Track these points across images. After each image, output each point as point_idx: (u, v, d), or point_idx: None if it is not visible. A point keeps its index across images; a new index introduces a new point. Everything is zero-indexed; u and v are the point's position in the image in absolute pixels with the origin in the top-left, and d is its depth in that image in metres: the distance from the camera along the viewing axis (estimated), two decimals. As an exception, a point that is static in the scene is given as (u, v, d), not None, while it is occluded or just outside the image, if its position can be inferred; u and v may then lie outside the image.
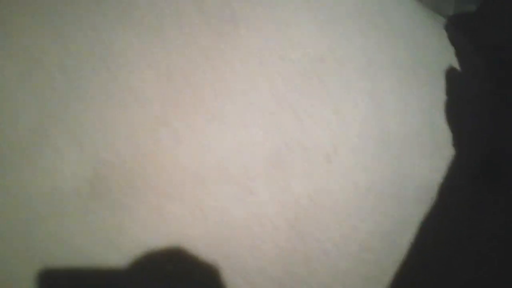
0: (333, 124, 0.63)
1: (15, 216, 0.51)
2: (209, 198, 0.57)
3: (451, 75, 0.86)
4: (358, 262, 0.65)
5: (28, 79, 0.56)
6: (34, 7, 0.57)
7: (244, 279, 0.59)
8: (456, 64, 0.89)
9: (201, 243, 0.56)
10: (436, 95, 0.78)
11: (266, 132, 0.61)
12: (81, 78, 0.57)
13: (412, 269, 0.69)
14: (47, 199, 0.51)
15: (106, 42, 0.58)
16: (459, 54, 0.93)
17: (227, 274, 0.58)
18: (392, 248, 0.68)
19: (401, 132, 0.69)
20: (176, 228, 0.55)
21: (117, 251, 0.54)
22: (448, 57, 0.89)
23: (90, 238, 0.53)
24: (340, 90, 0.63)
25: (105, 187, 0.54)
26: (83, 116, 0.56)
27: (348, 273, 0.64)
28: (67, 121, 0.56)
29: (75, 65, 0.57)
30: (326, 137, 0.63)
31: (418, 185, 0.72)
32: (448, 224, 0.74)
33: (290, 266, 0.61)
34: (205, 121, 0.59)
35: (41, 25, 0.57)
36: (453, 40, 0.94)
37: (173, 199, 0.55)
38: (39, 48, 0.56)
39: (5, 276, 0.52)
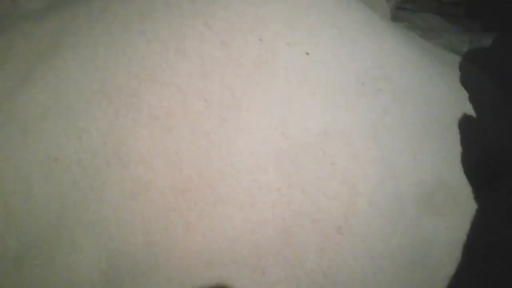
0: (343, 195, 0.63)
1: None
2: (222, 283, 0.58)
3: (464, 123, 0.84)
4: None
5: (49, 175, 0.61)
6: (52, 111, 0.63)
7: None
8: (471, 109, 0.87)
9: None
10: (450, 148, 0.75)
11: (275, 209, 0.61)
12: (97, 171, 0.61)
13: None
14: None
15: (118, 135, 0.62)
16: (476, 93, 0.91)
17: None
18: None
19: (416, 193, 0.67)
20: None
21: None
22: (461, 104, 0.87)
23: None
24: (347, 161, 0.63)
25: (118, 277, 0.57)
26: (99, 208, 0.59)
27: None
28: (84, 213, 0.59)
29: (90, 160, 0.61)
30: (336, 209, 0.62)
31: (440, 247, 0.69)
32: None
33: None
34: (213, 204, 0.60)
35: (57, 125, 0.62)
36: (469, 79, 0.92)
37: (184, 286, 0.56)
38: (57, 146, 0.61)
39: None
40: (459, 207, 0.73)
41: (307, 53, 0.66)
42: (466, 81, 0.97)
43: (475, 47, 1.37)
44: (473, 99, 0.90)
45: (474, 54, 1.31)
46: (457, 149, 0.77)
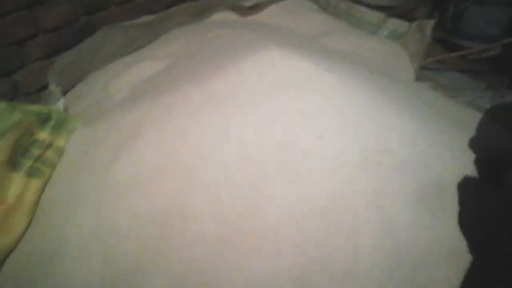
0: (347, 247, 0.81)
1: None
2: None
3: (463, 184, 0.98)
4: None
5: (132, 229, 0.86)
6: (135, 178, 0.89)
7: None
8: (474, 171, 1.01)
9: None
10: (446, 208, 0.90)
11: (295, 257, 0.81)
12: (165, 226, 0.84)
13: None
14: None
15: (180, 200, 0.86)
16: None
17: None
18: None
19: (413, 249, 0.83)
20: None
21: None
22: (464, 166, 1.01)
23: None
24: (352, 221, 0.82)
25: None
26: (167, 254, 0.82)
27: None
28: (157, 257, 0.83)
29: (161, 217, 0.85)
30: (340, 259, 0.80)
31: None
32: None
33: None
34: (248, 251, 0.81)
35: (140, 189, 0.88)
36: (491, 133, 1.06)
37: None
38: (139, 206, 0.86)
39: None
40: (458, 262, 0.87)
41: (320, 137, 0.88)
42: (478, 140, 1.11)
43: (497, 103, 1.47)
44: (479, 161, 1.04)
45: (496, 110, 1.43)
46: (454, 209, 0.93)
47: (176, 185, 0.86)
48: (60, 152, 0.96)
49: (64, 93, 1.18)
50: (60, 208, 0.88)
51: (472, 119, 1.31)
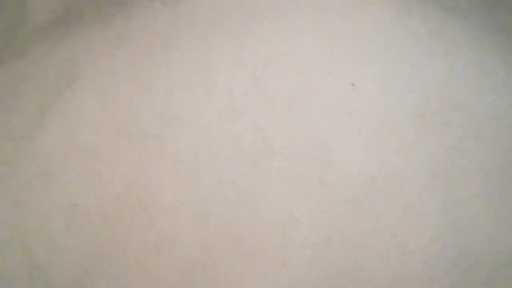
0: (391, 252, 0.55)
1: None
2: None
3: None
4: None
5: (71, 223, 0.58)
6: (72, 152, 0.59)
7: None
8: None
9: None
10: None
11: (310, 267, 0.54)
12: (119, 221, 0.57)
13: None
14: None
15: (141, 182, 0.57)
16: None
17: None
18: None
19: (491, 253, 0.57)
20: None
21: None
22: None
23: None
24: (397, 213, 0.55)
25: None
26: (123, 260, 0.56)
27: None
28: (108, 266, 0.56)
29: (112, 207, 0.57)
30: (383, 268, 0.54)
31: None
32: None
33: None
34: (242, 259, 0.55)
35: (77, 168, 0.58)
36: None
37: None
38: (78, 191, 0.58)
39: None
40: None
41: (353, 84, 0.56)
42: None
43: None
44: None
45: None
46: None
47: (134, 161, 0.57)
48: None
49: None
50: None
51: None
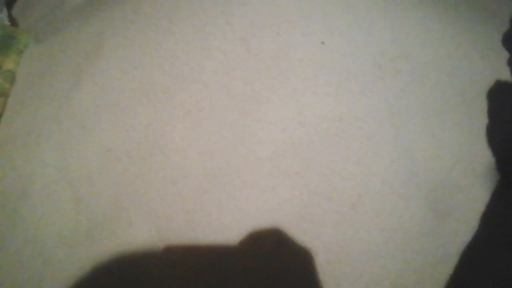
0: (356, 176, 0.68)
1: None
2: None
3: (495, 91, 0.82)
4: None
5: (105, 164, 0.72)
6: (102, 108, 0.72)
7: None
8: (508, 73, 0.84)
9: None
10: (473, 121, 0.75)
11: (294, 190, 0.68)
12: (142, 160, 0.71)
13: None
14: (127, 259, 0.67)
15: (157, 129, 0.71)
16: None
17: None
18: (426, 282, 0.71)
19: (433, 169, 0.70)
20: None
21: None
22: (496, 70, 0.84)
23: None
24: (361, 143, 0.67)
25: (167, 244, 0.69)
26: (146, 192, 0.70)
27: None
28: (135, 196, 0.70)
29: (136, 150, 0.71)
30: (350, 188, 0.68)
31: (458, 218, 0.72)
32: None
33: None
34: (240, 188, 0.68)
35: (107, 120, 0.72)
36: None
37: (219, 255, 0.67)
38: (109, 139, 0.71)
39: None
40: (479, 179, 0.74)
41: (323, 43, 0.68)
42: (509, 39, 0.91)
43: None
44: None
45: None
46: (483, 123, 0.77)
47: (151, 112, 0.70)
48: (11, 78, 0.78)
49: (8, 2, 0.94)
50: (19, 145, 0.73)
51: (505, 10, 1.06)
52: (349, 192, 0.69)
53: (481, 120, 0.76)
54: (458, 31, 0.83)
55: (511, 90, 0.79)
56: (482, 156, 0.75)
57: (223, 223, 0.68)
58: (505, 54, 0.83)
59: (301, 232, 0.69)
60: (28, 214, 0.70)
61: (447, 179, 0.71)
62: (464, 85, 0.77)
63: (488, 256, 0.75)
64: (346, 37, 0.69)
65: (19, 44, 0.82)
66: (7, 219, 0.70)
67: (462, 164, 0.73)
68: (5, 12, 0.85)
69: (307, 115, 0.68)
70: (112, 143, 0.71)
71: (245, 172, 0.68)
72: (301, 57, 0.68)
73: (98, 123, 0.72)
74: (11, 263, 0.68)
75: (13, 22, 0.87)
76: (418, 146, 0.71)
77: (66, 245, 0.67)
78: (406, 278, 0.69)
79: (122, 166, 0.70)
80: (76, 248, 0.67)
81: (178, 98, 0.70)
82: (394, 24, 0.74)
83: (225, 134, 0.68)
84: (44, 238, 0.68)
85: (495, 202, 0.73)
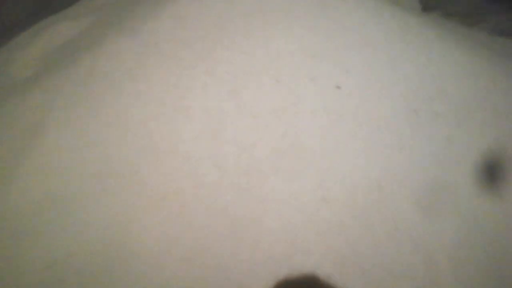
0: (419, 268, 0.46)
1: None
2: None
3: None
4: None
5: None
6: (46, 206, 0.51)
7: None
8: None
9: None
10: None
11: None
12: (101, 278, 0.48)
13: None
14: None
15: (122, 229, 0.49)
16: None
17: None
18: None
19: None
20: None
21: None
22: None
23: None
24: (415, 221, 0.46)
25: None
26: None
27: None
28: None
29: (91, 264, 0.48)
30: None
31: None
32: None
33: None
34: None
35: (51, 223, 0.50)
36: None
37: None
38: (54, 250, 0.49)
39: None
40: None
41: (338, 87, 0.50)
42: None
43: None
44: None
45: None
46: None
47: (112, 206, 0.49)
48: None
49: None
50: None
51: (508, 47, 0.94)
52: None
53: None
54: (487, 64, 0.68)
55: None
56: None
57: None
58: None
59: None
60: None
61: None
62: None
63: None
64: (366, 77, 0.52)
65: None
66: None
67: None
68: None
69: (332, 186, 0.47)
70: (57, 255, 0.49)
71: (247, 278, 0.45)
72: (312, 108, 0.49)
73: (38, 227, 0.50)
74: None
75: None
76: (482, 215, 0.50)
77: None
78: None
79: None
80: None
81: (149, 180, 0.50)
82: (421, 57, 0.57)
83: (217, 227, 0.47)
84: None
85: None
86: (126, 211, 0.50)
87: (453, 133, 0.54)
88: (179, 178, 0.49)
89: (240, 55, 0.50)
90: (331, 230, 0.46)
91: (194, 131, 0.50)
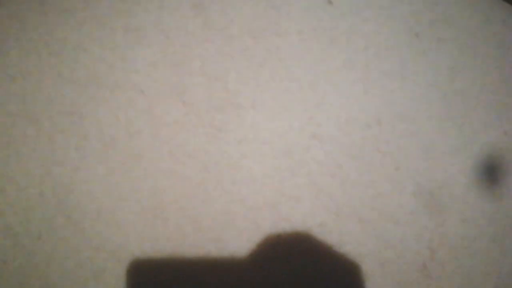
0: (421, 218, 0.39)
1: None
2: None
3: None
4: None
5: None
6: None
7: None
8: None
9: None
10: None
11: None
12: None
13: None
14: None
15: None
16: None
17: None
18: None
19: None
20: None
21: None
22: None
23: None
24: (417, 157, 0.39)
25: None
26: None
27: None
28: None
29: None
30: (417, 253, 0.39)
31: None
32: None
33: None
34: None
35: None
36: None
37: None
38: None
39: None
40: None
41: (330, 2, 0.40)
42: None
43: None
44: None
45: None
46: None
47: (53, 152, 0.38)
48: None
49: None
50: None
51: None
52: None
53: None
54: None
55: None
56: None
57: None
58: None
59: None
60: None
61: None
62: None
63: None
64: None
65: None
66: None
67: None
68: None
69: (323, 122, 0.39)
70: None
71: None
72: (299, 27, 0.40)
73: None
74: None
75: None
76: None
77: None
78: None
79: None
80: None
81: (92, 119, 0.39)
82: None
83: (185, 173, 0.38)
84: None
85: None
86: (65, 160, 0.39)
87: (456, 63, 0.46)
88: (133, 117, 0.38)
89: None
90: (323, 173, 0.38)
91: (151, 55, 0.39)
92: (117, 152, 0.39)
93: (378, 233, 0.38)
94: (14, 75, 0.40)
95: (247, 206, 0.37)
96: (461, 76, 0.46)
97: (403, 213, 0.39)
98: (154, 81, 0.39)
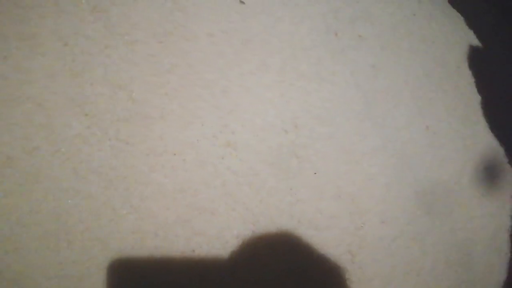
0: (343, 215, 0.38)
1: None
2: None
3: (476, 61, 0.58)
4: None
5: None
6: None
7: None
8: (476, 40, 0.61)
9: None
10: (470, 94, 0.51)
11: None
12: None
13: None
14: None
15: None
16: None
17: None
18: None
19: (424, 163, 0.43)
20: None
21: None
22: (468, 38, 0.61)
23: None
24: (331, 160, 0.37)
25: None
26: None
27: None
28: None
29: None
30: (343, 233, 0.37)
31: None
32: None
33: None
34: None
35: None
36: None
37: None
38: None
39: None
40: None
41: (242, 1, 0.38)
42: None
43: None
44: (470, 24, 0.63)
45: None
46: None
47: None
48: None
49: None
50: None
51: None
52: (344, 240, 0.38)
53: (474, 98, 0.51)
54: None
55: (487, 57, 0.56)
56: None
57: None
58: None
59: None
60: None
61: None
62: (442, 55, 0.53)
63: None
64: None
65: None
66: None
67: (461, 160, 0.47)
68: None
69: (238, 129, 0.36)
70: None
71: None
72: (208, 30, 0.37)
73: None
74: None
75: None
76: (412, 150, 0.43)
77: None
78: None
79: None
80: None
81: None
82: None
83: (89, 189, 0.34)
84: None
85: None
86: None
87: (378, 60, 0.45)
88: (30, 133, 0.34)
89: None
90: (239, 182, 0.36)
91: (48, 65, 0.35)
92: (13, 172, 0.35)
93: (297, 241, 0.36)
94: None
95: (157, 223, 0.34)
96: (384, 74, 0.45)
97: (323, 218, 0.37)
98: (53, 93, 0.35)
